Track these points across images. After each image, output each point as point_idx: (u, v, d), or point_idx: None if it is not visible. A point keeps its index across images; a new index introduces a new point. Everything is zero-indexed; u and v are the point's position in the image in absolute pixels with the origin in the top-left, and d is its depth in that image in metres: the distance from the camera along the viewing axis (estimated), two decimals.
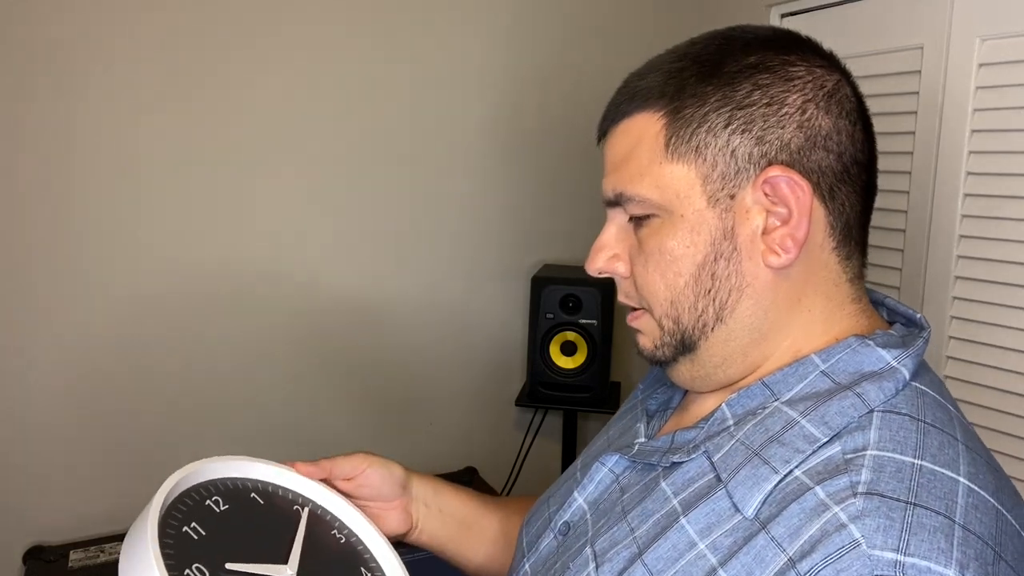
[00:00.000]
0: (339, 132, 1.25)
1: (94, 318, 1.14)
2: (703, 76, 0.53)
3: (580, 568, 0.55)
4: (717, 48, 0.54)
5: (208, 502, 0.62)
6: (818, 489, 0.45)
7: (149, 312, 1.17)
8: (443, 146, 1.34)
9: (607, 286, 1.24)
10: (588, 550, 0.55)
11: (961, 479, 0.44)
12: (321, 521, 0.67)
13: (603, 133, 0.59)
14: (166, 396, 1.20)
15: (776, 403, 0.51)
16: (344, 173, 1.27)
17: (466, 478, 1.33)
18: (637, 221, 0.56)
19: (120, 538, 1.15)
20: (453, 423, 1.41)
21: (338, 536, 0.67)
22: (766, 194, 0.52)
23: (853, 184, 0.53)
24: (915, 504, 0.42)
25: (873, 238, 1.30)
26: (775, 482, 0.47)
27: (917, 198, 1.07)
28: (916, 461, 0.45)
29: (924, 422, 0.47)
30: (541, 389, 1.28)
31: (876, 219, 1.12)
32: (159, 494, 0.58)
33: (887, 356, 0.50)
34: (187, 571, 0.54)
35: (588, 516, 0.59)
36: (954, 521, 0.42)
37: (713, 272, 0.53)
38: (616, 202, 0.57)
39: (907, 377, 0.50)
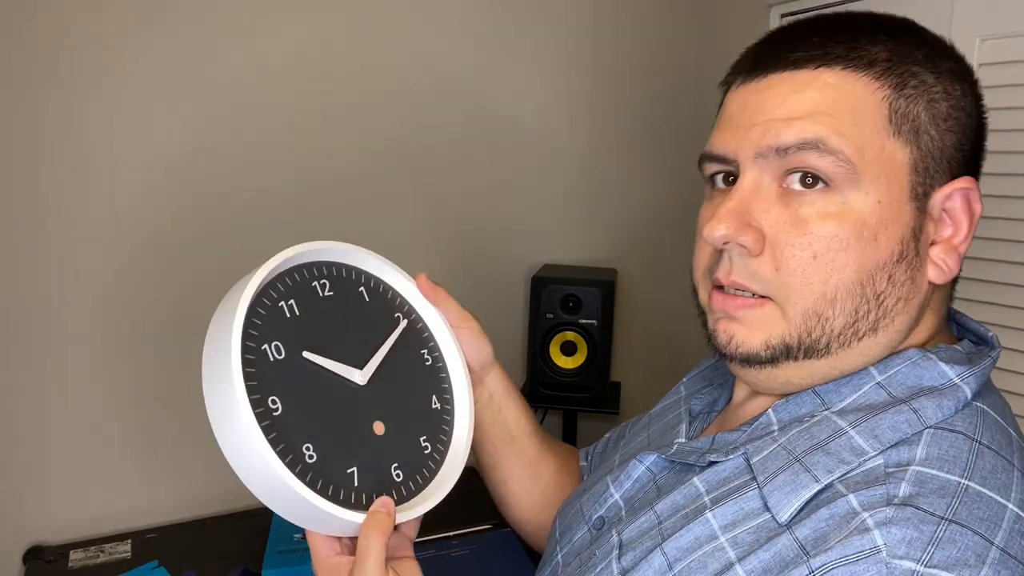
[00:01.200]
0: (339, 133, 1.25)
1: (94, 317, 1.14)
2: (929, 61, 0.49)
3: (605, 555, 0.54)
4: (933, 39, 0.52)
5: (315, 283, 0.59)
6: (851, 497, 0.43)
7: (146, 314, 1.17)
8: (442, 145, 1.34)
9: (607, 286, 1.24)
10: (615, 539, 0.54)
11: (1010, 505, 0.42)
12: (417, 338, 0.65)
13: (774, 69, 0.50)
14: (167, 396, 1.20)
15: (826, 412, 0.49)
16: (343, 173, 1.27)
17: (466, 478, 1.33)
18: (805, 184, 0.48)
19: (120, 538, 1.15)
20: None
21: (426, 357, 0.65)
22: (952, 203, 0.49)
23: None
24: (951, 521, 0.40)
25: None
26: (815, 491, 0.44)
27: None
28: (963, 481, 0.42)
29: (980, 443, 0.45)
30: (541, 389, 1.28)
31: None
32: (270, 262, 0.56)
33: (950, 372, 0.48)
34: (265, 345, 0.53)
35: (623, 512, 0.59)
36: (992, 543, 0.40)
37: (891, 275, 0.48)
38: (787, 150, 0.48)
39: (968, 396, 0.47)
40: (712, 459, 0.52)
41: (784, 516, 0.45)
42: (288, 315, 0.56)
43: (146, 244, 1.15)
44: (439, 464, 0.61)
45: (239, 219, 1.20)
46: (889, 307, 0.48)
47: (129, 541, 1.14)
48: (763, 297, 0.50)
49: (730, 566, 0.45)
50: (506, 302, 1.45)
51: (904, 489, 0.42)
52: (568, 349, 1.27)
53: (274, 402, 0.52)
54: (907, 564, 0.39)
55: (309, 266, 0.60)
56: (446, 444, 0.63)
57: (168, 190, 1.15)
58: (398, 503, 0.56)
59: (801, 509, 0.45)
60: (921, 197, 0.48)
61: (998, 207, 0.98)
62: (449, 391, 0.65)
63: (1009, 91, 0.96)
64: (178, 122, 1.14)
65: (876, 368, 0.49)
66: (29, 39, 1.04)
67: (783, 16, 1.30)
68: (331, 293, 0.60)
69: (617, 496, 0.60)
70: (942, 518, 0.40)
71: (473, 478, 1.35)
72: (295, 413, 0.53)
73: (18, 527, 1.13)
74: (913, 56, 0.49)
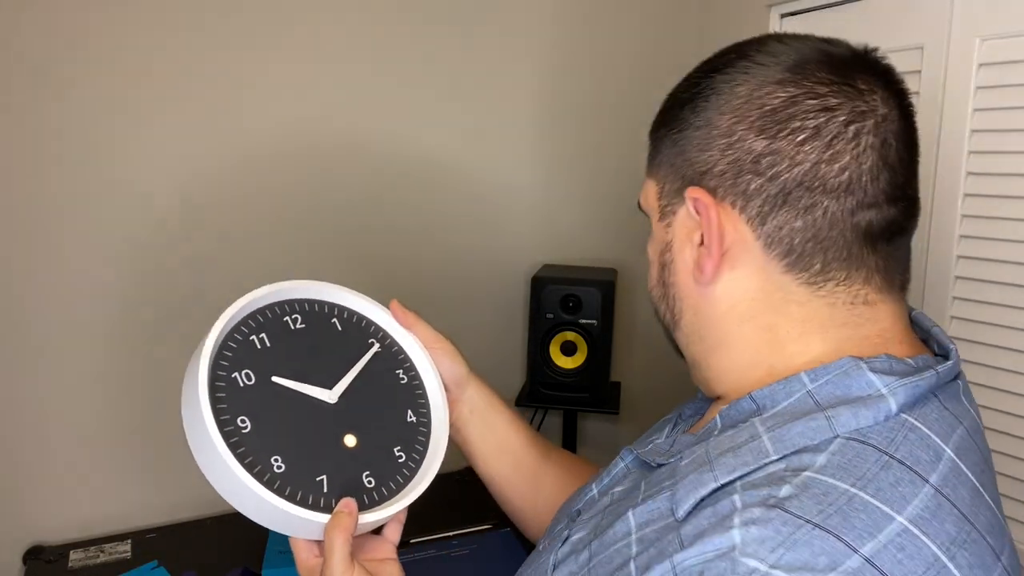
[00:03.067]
0: (337, 133, 1.25)
1: (94, 318, 1.14)
2: (671, 100, 0.57)
3: (550, 545, 0.59)
4: (696, 70, 0.56)
5: (287, 318, 0.67)
6: (737, 497, 0.43)
7: (146, 314, 1.17)
8: (442, 145, 1.34)
9: (607, 286, 1.24)
10: (566, 532, 0.58)
11: (899, 518, 0.41)
12: (392, 359, 0.71)
13: None
14: (167, 396, 1.20)
15: (755, 418, 0.50)
16: (340, 175, 1.27)
17: (466, 478, 1.33)
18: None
19: (120, 538, 1.15)
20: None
21: (401, 376, 0.71)
22: (698, 212, 0.53)
23: (796, 208, 0.49)
24: (816, 525, 0.40)
25: None
26: (712, 488, 0.46)
27: None
28: (851, 489, 0.42)
29: (890, 456, 0.44)
30: (541, 389, 1.28)
31: None
32: (237, 303, 0.63)
33: (877, 382, 0.47)
34: (235, 373, 0.61)
35: (596, 504, 0.60)
36: (855, 551, 0.39)
37: (663, 280, 0.58)
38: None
39: (894, 408, 0.46)
40: (660, 461, 0.54)
41: (680, 512, 0.46)
42: (259, 346, 0.64)
43: (147, 246, 1.15)
44: (414, 471, 0.66)
45: (236, 241, 1.20)
46: (673, 304, 0.57)
47: (129, 541, 1.14)
48: None
49: (626, 562, 0.46)
50: (506, 302, 1.45)
51: (784, 491, 0.42)
52: (568, 349, 1.27)
53: (243, 421, 0.60)
54: (752, 563, 0.39)
55: (281, 304, 0.67)
56: (422, 454, 0.68)
57: (173, 207, 1.15)
58: (369, 506, 0.61)
59: (695, 506, 0.45)
60: (669, 215, 0.56)
61: (998, 207, 0.98)
62: (426, 405, 0.71)
63: (1009, 91, 0.96)
64: (190, 146, 1.14)
65: (807, 375, 0.49)
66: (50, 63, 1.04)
67: (783, 16, 1.30)
68: (303, 325, 0.67)
69: (596, 491, 0.62)
70: (807, 521, 0.40)
71: (473, 479, 1.35)
72: (264, 430, 0.60)
73: (18, 527, 1.13)
74: (677, 95, 0.57)
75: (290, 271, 1.23)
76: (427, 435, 0.69)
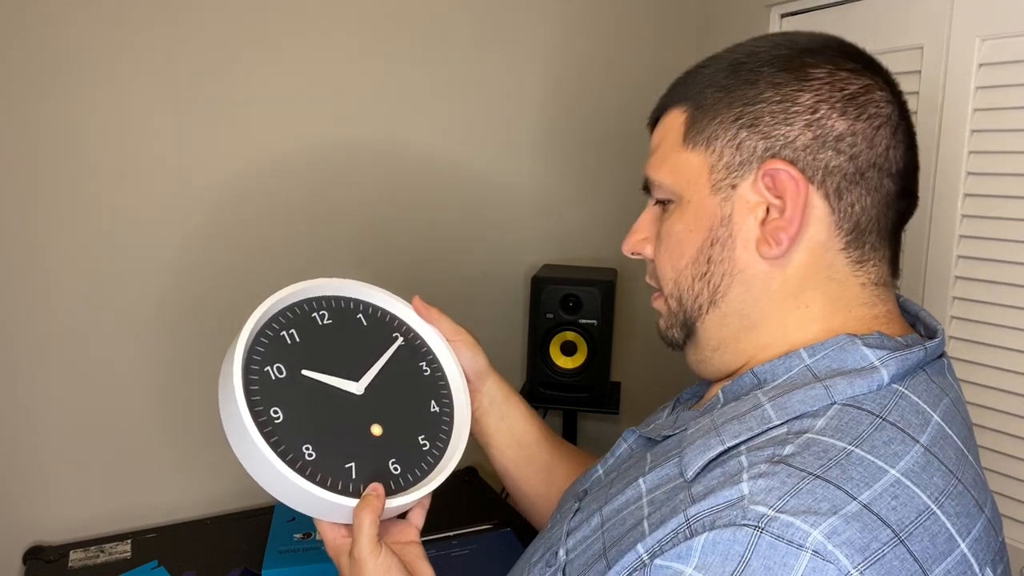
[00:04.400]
0: (341, 136, 1.25)
1: (94, 318, 1.14)
2: (728, 74, 0.56)
3: (563, 517, 0.61)
4: (747, 51, 0.57)
5: (315, 314, 0.70)
6: (743, 458, 0.47)
7: (145, 314, 1.17)
8: (443, 146, 1.34)
9: (607, 286, 1.25)
10: (576, 504, 0.61)
11: (893, 471, 0.45)
12: (415, 352, 0.75)
13: (650, 127, 0.65)
14: (167, 397, 1.20)
15: (758, 390, 0.53)
16: (343, 178, 1.27)
17: (466, 478, 1.33)
18: (663, 207, 0.61)
19: (120, 538, 1.15)
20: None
21: (424, 368, 0.74)
22: (767, 187, 0.54)
23: (867, 188, 0.53)
24: (817, 476, 0.43)
25: None
26: (719, 451, 0.49)
27: None
28: (848, 447, 0.45)
29: (883, 419, 0.48)
30: (541, 389, 1.28)
31: None
32: (267, 301, 0.67)
33: (871, 356, 0.51)
34: (267, 367, 0.65)
35: (602, 483, 0.64)
36: (854, 498, 0.43)
37: (709, 256, 0.56)
38: (648, 188, 0.63)
39: (886, 378, 0.50)
40: (666, 433, 0.58)
41: (690, 474, 0.49)
42: (289, 342, 0.67)
43: (155, 249, 1.15)
44: (438, 459, 0.69)
45: (256, 250, 1.20)
46: (717, 283, 0.56)
47: (129, 541, 1.14)
48: (660, 291, 0.62)
49: (639, 522, 0.49)
50: (506, 302, 1.45)
51: (788, 450, 0.46)
52: (568, 349, 1.27)
53: (275, 412, 0.63)
54: (761, 509, 0.42)
55: (309, 300, 0.70)
56: (445, 442, 0.71)
57: (187, 215, 1.15)
58: (395, 492, 0.65)
59: (704, 467, 0.49)
60: (727, 188, 0.55)
61: (999, 207, 0.98)
62: (448, 396, 0.74)
63: (1009, 91, 0.96)
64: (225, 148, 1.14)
65: (806, 351, 0.53)
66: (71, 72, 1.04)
67: (783, 16, 1.30)
68: (330, 321, 0.71)
69: (601, 471, 0.66)
70: (810, 474, 0.44)
71: (473, 479, 1.35)
72: (296, 420, 0.64)
73: (18, 527, 1.13)
74: (721, 71, 0.57)
75: (295, 272, 1.24)
76: (450, 424, 0.72)
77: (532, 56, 1.38)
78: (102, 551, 1.12)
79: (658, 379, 1.54)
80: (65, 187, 1.09)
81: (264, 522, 1.17)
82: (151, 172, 1.14)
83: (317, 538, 1.12)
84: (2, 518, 1.12)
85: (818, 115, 0.53)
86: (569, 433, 1.37)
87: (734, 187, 0.55)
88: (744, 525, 0.42)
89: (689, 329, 0.60)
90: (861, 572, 0.40)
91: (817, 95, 0.53)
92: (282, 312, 0.68)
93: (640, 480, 0.53)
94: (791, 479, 0.43)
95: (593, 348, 1.25)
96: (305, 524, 1.16)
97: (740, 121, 0.54)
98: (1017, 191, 0.96)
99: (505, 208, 1.41)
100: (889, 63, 1.10)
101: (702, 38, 1.49)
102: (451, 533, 1.14)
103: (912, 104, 1.07)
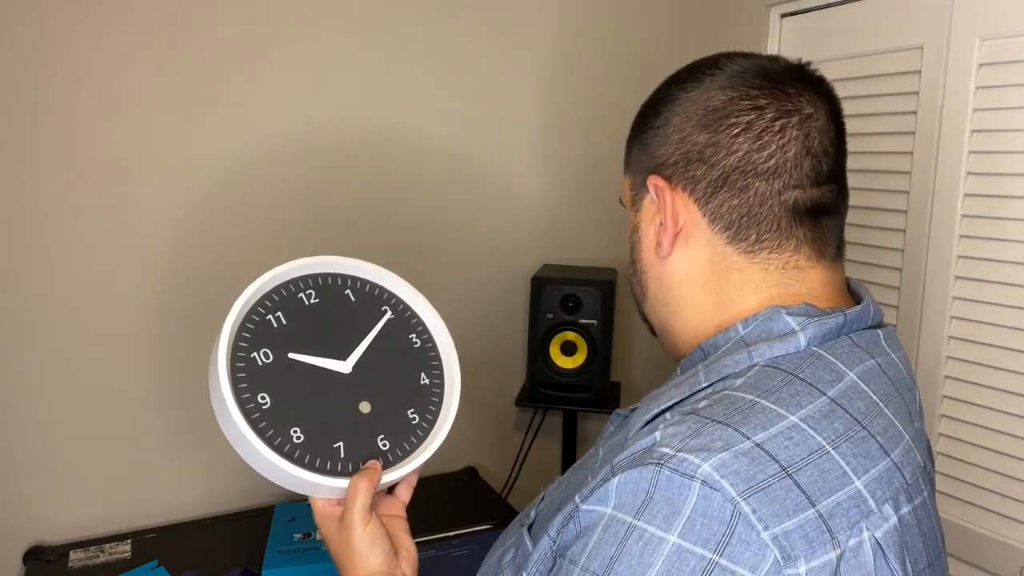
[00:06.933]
0: (340, 135, 1.25)
1: (93, 318, 1.14)
2: (643, 109, 0.66)
3: (545, 488, 0.67)
4: (661, 84, 0.65)
5: (301, 295, 0.70)
6: (668, 414, 0.53)
7: (144, 314, 1.17)
8: (443, 145, 1.34)
9: (607, 286, 1.25)
10: (562, 477, 0.66)
11: (792, 416, 0.50)
12: (404, 324, 0.75)
13: None
14: (166, 397, 1.20)
15: (702, 363, 0.59)
16: (342, 175, 1.27)
17: (466, 478, 1.33)
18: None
19: (120, 538, 1.15)
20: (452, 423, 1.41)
21: (414, 340, 0.75)
22: (653, 201, 0.63)
23: (733, 190, 0.59)
24: (718, 422, 0.49)
25: (873, 238, 1.31)
26: (655, 413, 0.55)
27: (917, 198, 1.07)
28: (754, 398, 0.51)
29: (795, 376, 0.53)
30: (541, 389, 1.28)
31: (876, 219, 1.13)
32: (256, 283, 0.67)
33: (792, 323, 0.56)
34: (254, 353, 0.65)
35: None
36: (748, 438, 0.48)
37: (633, 258, 0.67)
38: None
39: (802, 342, 0.55)
40: (632, 407, 0.64)
41: (631, 435, 0.55)
42: (275, 325, 0.68)
43: (152, 246, 1.15)
44: (427, 432, 0.71)
45: (246, 233, 1.20)
46: (641, 279, 0.66)
47: (129, 541, 1.14)
48: None
49: (588, 474, 0.55)
50: (506, 302, 1.45)
51: (703, 404, 0.52)
52: (568, 349, 1.27)
53: (263, 398, 0.64)
54: (665, 450, 0.48)
55: (295, 280, 0.71)
56: (435, 414, 0.72)
57: (179, 210, 1.15)
58: (384, 467, 0.67)
59: (641, 428, 0.54)
60: (637, 202, 0.65)
61: (998, 207, 0.98)
62: (439, 367, 0.74)
63: (1009, 91, 0.96)
64: (218, 143, 1.14)
65: (741, 324, 0.59)
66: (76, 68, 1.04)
67: (783, 16, 1.30)
68: (317, 300, 0.71)
69: (592, 450, 0.70)
70: (712, 420, 0.49)
71: (473, 479, 1.35)
72: (283, 405, 0.65)
73: (18, 527, 1.13)
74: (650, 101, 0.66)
75: None
76: (440, 396, 0.73)
77: (533, 57, 1.38)
78: (102, 551, 1.12)
79: (658, 379, 1.54)
80: (62, 187, 1.09)
81: (264, 522, 1.17)
82: (150, 171, 1.14)
83: (317, 537, 1.12)
84: (2, 518, 1.12)
85: (684, 133, 0.60)
86: (569, 433, 1.37)
87: (641, 201, 0.65)
88: (649, 463, 0.48)
89: (643, 316, 0.69)
90: (745, 499, 0.46)
91: (684, 115, 0.60)
92: (268, 295, 0.69)
93: (600, 447, 0.60)
94: (695, 425, 0.49)
95: (593, 348, 1.25)
96: (305, 524, 1.16)
97: (640, 147, 0.64)
98: (1017, 191, 0.96)
99: (505, 208, 1.41)
100: (889, 63, 1.11)
101: (702, 38, 1.49)
102: (451, 533, 1.14)
103: (912, 104, 1.07)
